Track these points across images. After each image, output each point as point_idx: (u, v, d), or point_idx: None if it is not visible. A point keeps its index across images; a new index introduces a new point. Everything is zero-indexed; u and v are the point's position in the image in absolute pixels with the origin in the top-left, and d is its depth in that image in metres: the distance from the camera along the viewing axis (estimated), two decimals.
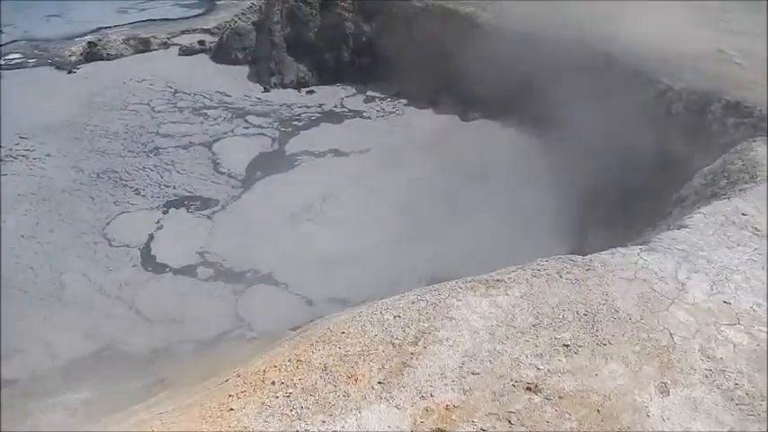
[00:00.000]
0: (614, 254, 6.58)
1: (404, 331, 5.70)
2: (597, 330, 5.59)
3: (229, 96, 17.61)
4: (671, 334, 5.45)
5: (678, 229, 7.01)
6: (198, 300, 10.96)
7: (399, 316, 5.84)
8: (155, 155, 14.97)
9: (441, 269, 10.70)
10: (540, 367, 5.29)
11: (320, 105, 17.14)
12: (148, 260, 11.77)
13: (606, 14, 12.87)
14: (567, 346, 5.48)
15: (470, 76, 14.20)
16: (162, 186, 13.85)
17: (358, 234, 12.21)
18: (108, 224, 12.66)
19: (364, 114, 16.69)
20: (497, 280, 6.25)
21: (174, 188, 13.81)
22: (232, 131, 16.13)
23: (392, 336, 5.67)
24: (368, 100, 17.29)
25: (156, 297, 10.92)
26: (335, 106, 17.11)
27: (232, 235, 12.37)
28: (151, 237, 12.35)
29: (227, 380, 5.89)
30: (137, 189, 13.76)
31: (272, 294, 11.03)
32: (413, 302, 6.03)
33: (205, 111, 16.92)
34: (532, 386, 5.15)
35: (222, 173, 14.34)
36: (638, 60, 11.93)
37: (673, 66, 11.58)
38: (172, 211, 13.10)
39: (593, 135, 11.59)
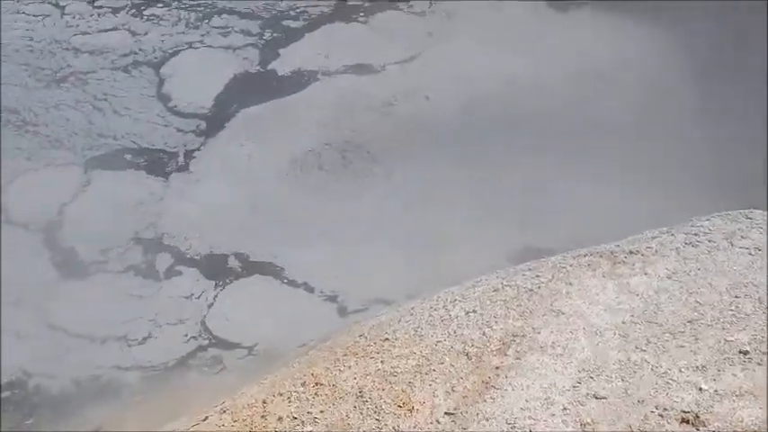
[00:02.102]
0: None
1: (483, 334, 5.83)
2: None
3: None
4: None
5: None
6: (149, 304, 11.20)
7: (475, 311, 5.97)
8: (74, 84, 15.11)
9: (538, 238, 10.82)
10: (704, 387, 5.38)
11: None
12: (57, 245, 12.06)
13: None
14: (746, 353, 5.54)
15: None
16: (92, 135, 14.02)
17: (401, 198, 12.35)
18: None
19: (400, 5, 16.58)
20: (630, 252, 6.32)
21: (115, 137, 13.96)
22: (200, 41, 16.17)
23: (465, 341, 5.80)
24: None
25: (77, 303, 11.23)
26: None
27: (204, 203, 12.58)
28: (62, 210, 12.58)
29: (206, 418, 6.08)
30: (53, 138, 13.97)
31: (272, 292, 11.23)
32: (496, 290, 6.15)
33: (142, 11, 16.88)
34: (691, 417, 5.24)
35: (176, 111, 14.48)
36: None
37: None
38: (98, 172, 13.29)
39: None
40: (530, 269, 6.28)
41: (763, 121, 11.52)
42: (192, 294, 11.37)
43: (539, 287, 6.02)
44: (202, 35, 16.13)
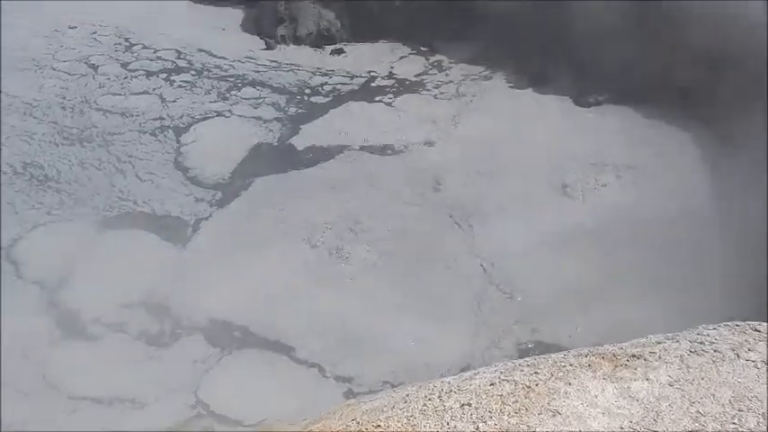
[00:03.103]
0: None
1: (477, 429, 5.63)
2: None
3: (215, 56, 18.05)
4: None
5: None
6: (142, 370, 11.17)
7: (470, 404, 5.76)
8: (101, 144, 15.36)
9: (540, 333, 10.76)
10: None
11: (354, 73, 17.45)
12: (67, 303, 12.07)
13: None
14: None
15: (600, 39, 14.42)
16: (112, 197, 14.15)
17: (407, 277, 12.26)
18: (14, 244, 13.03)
19: (423, 90, 16.82)
20: (633, 355, 6.10)
21: (135, 202, 14.04)
22: (229, 110, 16.43)
23: None
24: (433, 67, 17.47)
25: (82, 363, 11.24)
26: (378, 75, 17.36)
27: (214, 272, 12.52)
28: (73, 268, 12.62)
29: None
30: (74, 196, 14.11)
31: (268, 365, 11.14)
32: (492, 384, 5.94)
33: (173, 77, 17.40)
34: None
35: (196, 179, 14.61)
36: None
37: None
38: (113, 233, 13.36)
39: None
40: (529, 365, 6.06)
41: None
42: (196, 361, 11.24)
43: (537, 384, 5.79)
44: (232, 105, 16.47)
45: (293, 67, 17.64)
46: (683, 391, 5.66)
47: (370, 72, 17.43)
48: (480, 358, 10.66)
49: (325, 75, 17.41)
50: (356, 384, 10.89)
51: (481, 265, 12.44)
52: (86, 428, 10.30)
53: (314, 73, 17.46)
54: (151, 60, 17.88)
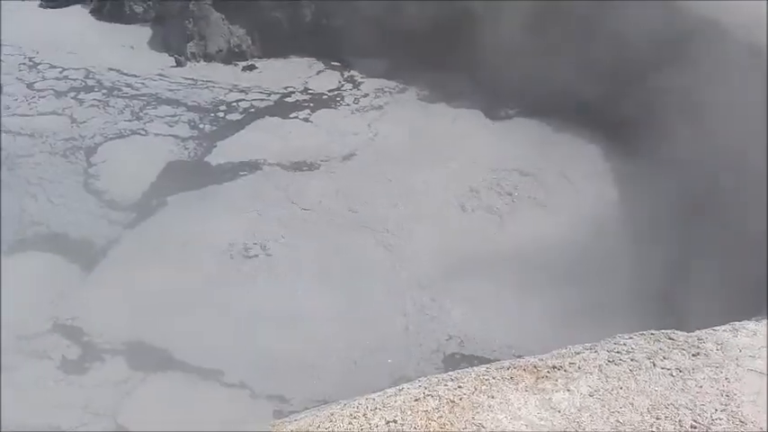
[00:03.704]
0: (737, 331, 6.50)
1: None
2: None
3: (125, 74, 17.78)
4: None
5: None
6: (62, 396, 10.79)
7: (396, 421, 5.75)
8: (9, 167, 14.92)
9: (464, 344, 10.80)
10: None
11: (270, 89, 17.38)
12: None
13: None
14: None
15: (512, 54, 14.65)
16: (23, 221, 13.69)
17: (325, 293, 12.18)
18: None
19: (339, 104, 16.87)
20: (553, 367, 6.16)
21: (48, 226, 13.61)
22: (144, 129, 16.13)
23: None
24: (347, 81, 17.56)
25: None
26: (294, 90, 17.33)
27: (119, 294, 12.19)
28: None
29: None
30: None
31: (191, 387, 10.87)
32: (417, 399, 5.94)
33: (82, 96, 17.06)
34: None
35: (109, 201, 14.27)
36: None
37: None
38: (23, 257, 12.93)
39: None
40: (452, 379, 6.06)
41: (691, 244, 11.69)
42: (117, 384, 10.88)
43: (461, 399, 5.79)
44: (146, 123, 16.17)
45: (209, 84, 17.50)
46: (602, 401, 5.73)
47: (285, 88, 17.37)
48: (413, 373, 10.60)
49: (241, 91, 17.30)
50: (289, 405, 10.61)
51: (404, 282, 12.43)
52: None
53: (230, 90, 17.36)
54: (58, 80, 17.52)
